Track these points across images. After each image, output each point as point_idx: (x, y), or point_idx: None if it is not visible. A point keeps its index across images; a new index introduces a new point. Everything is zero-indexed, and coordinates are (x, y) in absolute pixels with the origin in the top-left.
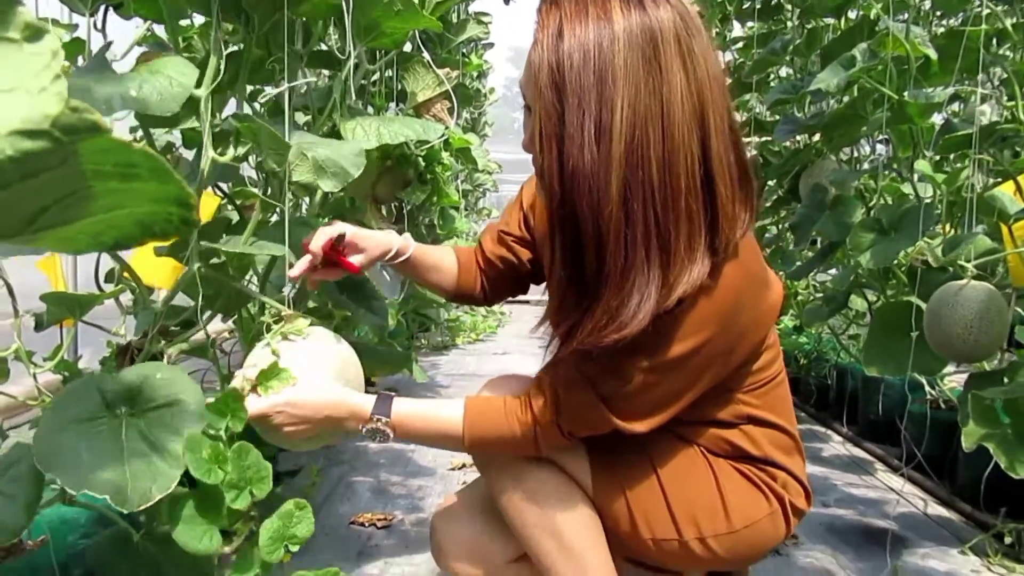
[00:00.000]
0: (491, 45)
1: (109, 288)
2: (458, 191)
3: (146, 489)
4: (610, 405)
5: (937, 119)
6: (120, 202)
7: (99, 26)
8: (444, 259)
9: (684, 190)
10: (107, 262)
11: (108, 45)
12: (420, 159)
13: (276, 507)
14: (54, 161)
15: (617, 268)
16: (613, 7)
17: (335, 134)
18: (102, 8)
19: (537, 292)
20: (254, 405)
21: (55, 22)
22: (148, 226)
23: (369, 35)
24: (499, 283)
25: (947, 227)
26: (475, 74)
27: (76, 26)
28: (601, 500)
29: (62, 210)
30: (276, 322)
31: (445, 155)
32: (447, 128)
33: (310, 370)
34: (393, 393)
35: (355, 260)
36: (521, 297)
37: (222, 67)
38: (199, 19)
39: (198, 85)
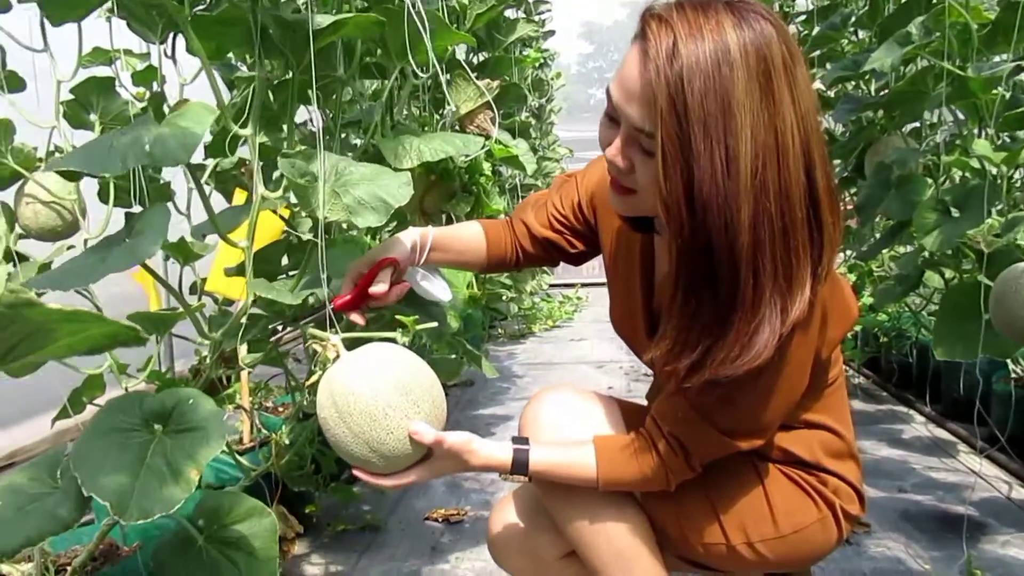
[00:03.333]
0: (552, 33)
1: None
2: (517, 189)
3: (149, 506)
4: (731, 434)
5: None
6: (79, 331)
7: (169, 53)
8: (469, 239)
9: (799, 220)
10: (189, 276)
11: (159, 95)
12: (463, 171)
13: (354, 503)
14: (6, 322)
15: (748, 298)
16: (724, 25)
17: (379, 155)
18: (171, 36)
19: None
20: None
21: (128, 52)
22: (113, 339)
23: (407, 55)
24: (534, 257)
25: None
26: (537, 64)
27: (148, 54)
28: (649, 505)
29: (30, 344)
30: (312, 354)
31: (487, 166)
32: (488, 139)
33: (365, 399)
34: (526, 443)
35: (378, 287)
36: (597, 280)
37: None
38: None
39: (244, 124)
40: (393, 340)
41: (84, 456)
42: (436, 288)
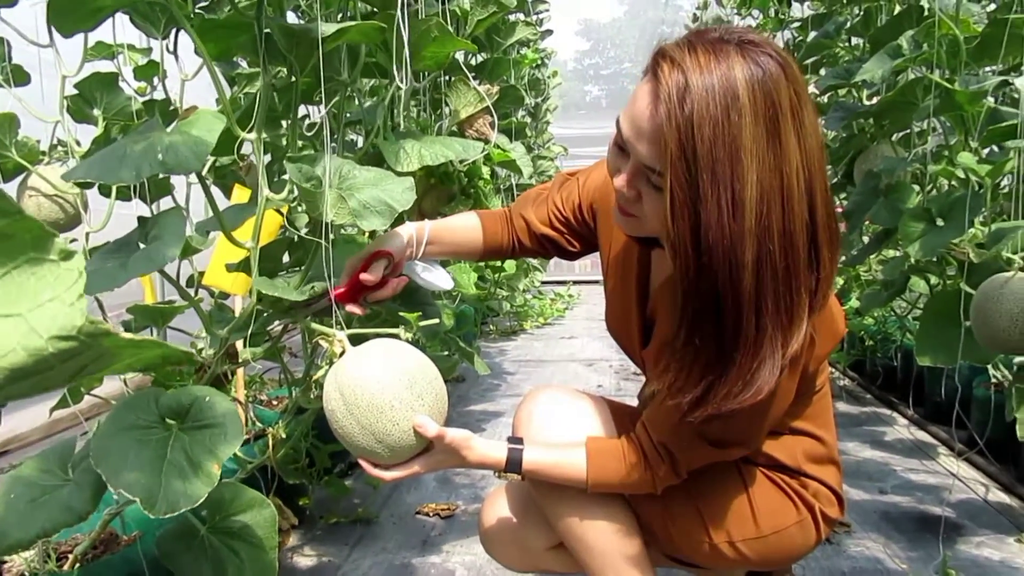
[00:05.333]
0: (550, 32)
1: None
2: (512, 189)
3: (175, 499)
4: (720, 445)
5: None
6: (138, 354)
7: (171, 48)
8: (466, 231)
9: (801, 259)
10: (187, 270)
11: (166, 100)
12: (462, 175)
13: (346, 496)
14: (83, 349)
15: (751, 336)
16: (735, 69)
17: (380, 155)
18: (173, 32)
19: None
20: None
21: (131, 47)
22: (166, 360)
23: (410, 60)
24: (530, 251)
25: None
26: (535, 64)
27: (151, 49)
28: (637, 504)
29: (97, 365)
30: (314, 349)
31: (485, 170)
32: (487, 144)
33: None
34: (520, 443)
35: (372, 273)
36: (589, 277)
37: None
38: None
39: (248, 127)
40: (396, 336)
41: (105, 452)
42: (437, 278)
